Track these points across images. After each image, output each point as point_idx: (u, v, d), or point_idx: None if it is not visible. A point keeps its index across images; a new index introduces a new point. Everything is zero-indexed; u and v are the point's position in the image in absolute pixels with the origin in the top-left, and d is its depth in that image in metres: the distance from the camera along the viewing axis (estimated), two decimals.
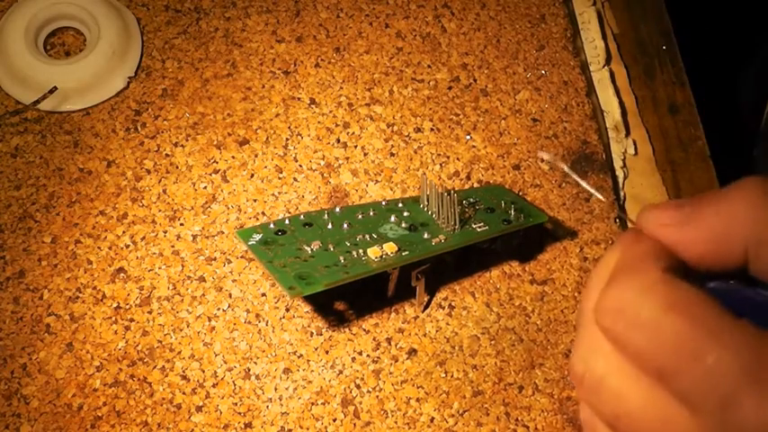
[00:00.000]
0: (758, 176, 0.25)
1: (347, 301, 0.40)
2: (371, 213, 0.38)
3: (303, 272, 0.33)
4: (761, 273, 0.24)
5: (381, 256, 0.35)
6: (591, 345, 0.25)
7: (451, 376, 0.39)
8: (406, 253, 0.36)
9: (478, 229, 0.38)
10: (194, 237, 0.41)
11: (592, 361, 0.24)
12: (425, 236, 0.37)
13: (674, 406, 0.23)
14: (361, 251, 0.35)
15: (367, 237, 0.37)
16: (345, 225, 0.37)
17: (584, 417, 0.26)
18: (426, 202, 0.39)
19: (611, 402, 0.24)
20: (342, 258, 0.35)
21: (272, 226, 0.36)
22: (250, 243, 0.35)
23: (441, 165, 0.44)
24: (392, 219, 0.38)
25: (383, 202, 0.39)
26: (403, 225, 0.38)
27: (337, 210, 0.38)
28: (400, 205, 0.39)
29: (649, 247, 0.25)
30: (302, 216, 0.37)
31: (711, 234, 0.25)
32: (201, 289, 0.40)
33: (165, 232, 0.41)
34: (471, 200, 0.40)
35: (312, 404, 0.38)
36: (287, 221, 0.37)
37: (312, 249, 0.35)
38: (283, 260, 0.34)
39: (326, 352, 0.39)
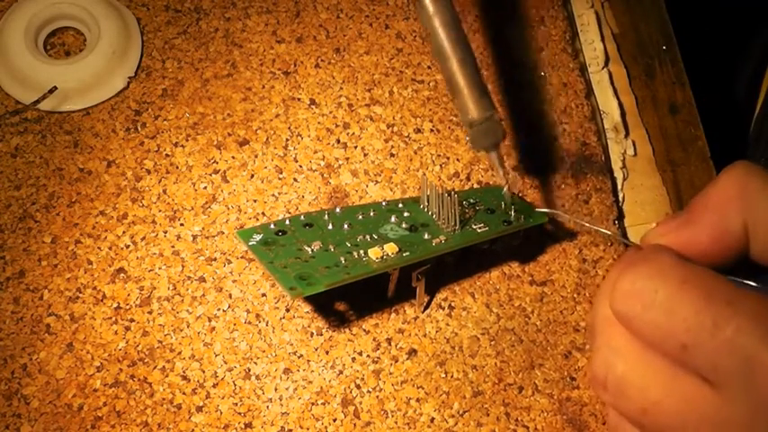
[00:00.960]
0: (742, 160, 0.25)
1: (347, 301, 0.40)
2: (372, 214, 0.38)
3: (304, 272, 0.33)
4: (760, 252, 0.25)
5: (382, 257, 0.35)
6: (608, 348, 0.25)
7: (451, 377, 0.39)
8: (407, 254, 0.36)
9: (479, 230, 0.38)
10: (194, 237, 0.41)
11: (611, 363, 0.25)
12: (426, 236, 0.37)
13: (696, 385, 0.23)
14: (361, 252, 0.35)
15: (367, 237, 0.37)
16: (346, 225, 0.37)
17: (612, 421, 0.26)
18: (426, 203, 0.39)
19: (635, 397, 0.24)
20: (342, 259, 0.35)
21: (272, 226, 0.36)
22: (250, 243, 0.35)
23: (441, 165, 0.44)
24: (392, 219, 0.38)
25: (383, 203, 0.39)
26: (403, 225, 0.38)
27: (338, 210, 0.38)
28: (400, 206, 0.39)
29: (657, 247, 0.26)
30: (302, 216, 0.37)
31: (711, 224, 0.25)
32: (202, 289, 0.40)
33: (165, 232, 0.41)
34: (471, 200, 0.41)
35: (312, 404, 0.38)
36: (287, 222, 0.37)
37: (313, 250, 0.35)
38: (284, 261, 0.34)
39: (327, 352, 0.39)
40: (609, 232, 0.37)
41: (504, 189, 0.39)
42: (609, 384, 0.25)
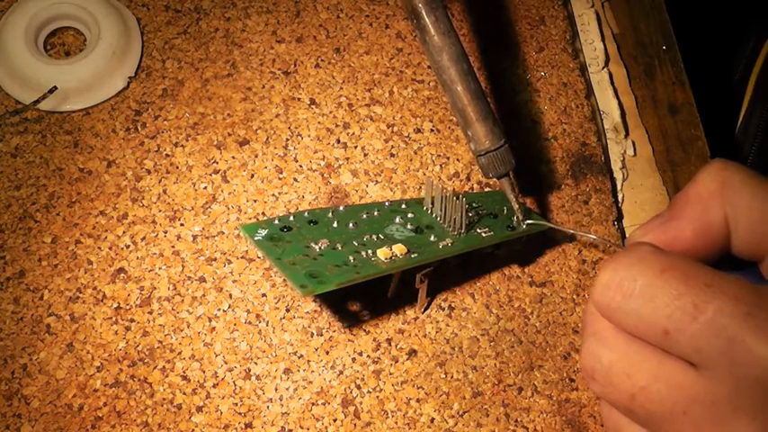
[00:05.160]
0: (720, 158, 0.26)
1: (348, 301, 0.40)
2: (375, 213, 0.38)
3: (314, 270, 0.33)
4: (742, 245, 0.25)
5: (391, 258, 0.35)
6: (594, 339, 0.26)
7: (451, 377, 0.39)
8: (415, 255, 0.36)
9: (483, 235, 0.38)
10: (194, 237, 0.41)
11: (598, 353, 0.25)
12: (432, 238, 0.37)
13: (681, 369, 0.23)
14: (370, 251, 0.35)
15: (374, 237, 0.36)
16: (351, 224, 0.37)
17: (604, 414, 0.26)
18: (431, 205, 0.39)
19: (623, 384, 0.24)
20: (351, 258, 0.34)
21: (276, 222, 0.36)
22: (256, 238, 0.34)
23: (441, 166, 0.44)
24: (397, 220, 0.38)
25: (386, 203, 0.39)
26: (409, 227, 0.38)
27: (341, 208, 0.38)
28: (404, 206, 0.39)
29: (637, 242, 0.26)
30: (306, 213, 0.37)
31: (694, 218, 0.26)
32: (202, 289, 0.40)
33: (166, 232, 0.41)
34: (474, 204, 0.40)
35: (312, 404, 0.38)
36: (291, 218, 0.36)
37: (320, 248, 0.35)
38: (292, 257, 0.34)
39: (327, 352, 0.39)
40: (595, 238, 0.37)
41: (516, 212, 0.39)
42: (597, 375, 0.25)
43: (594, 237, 0.38)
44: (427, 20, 0.36)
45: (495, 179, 0.39)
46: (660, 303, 0.23)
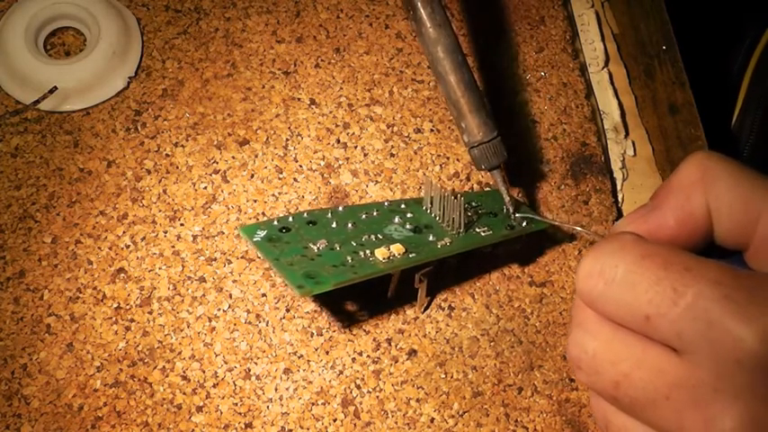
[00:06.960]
0: (703, 149, 0.26)
1: (347, 301, 0.40)
2: (375, 213, 0.38)
3: (311, 270, 0.33)
4: (724, 234, 0.25)
5: (389, 258, 0.35)
6: (579, 328, 0.26)
7: (451, 377, 0.39)
8: (413, 255, 0.36)
9: (482, 234, 0.38)
10: (194, 237, 0.41)
11: (583, 342, 0.25)
12: (430, 238, 0.37)
13: (663, 355, 0.23)
14: (368, 251, 0.35)
15: (372, 237, 0.36)
16: (350, 225, 0.37)
17: (593, 403, 0.27)
18: (430, 205, 0.39)
19: (607, 372, 0.25)
20: (349, 258, 0.34)
21: (275, 223, 0.36)
22: (255, 240, 0.34)
23: (441, 166, 0.44)
24: (396, 220, 0.38)
25: (385, 203, 0.39)
26: (407, 226, 0.38)
27: (340, 209, 0.38)
28: (403, 206, 0.39)
29: (619, 231, 0.26)
30: (305, 214, 0.37)
31: (676, 207, 0.26)
32: (202, 289, 0.40)
33: (166, 232, 0.41)
34: (473, 204, 0.40)
35: (312, 404, 0.38)
36: (290, 219, 0.36)
37: (319, 248, 0.35)
38: (290, 258, 0.34)
39: (327, 352, 0.39)
40: (581, 229, 0.37)
41: (507, 202, 0.39)
42: (582, 364, 0.25)
43: (581, 229, 0.38)
44: (423, 12, 0.37)
45: (486, 171, 0.39)
46: (641, 289, 0.23)
